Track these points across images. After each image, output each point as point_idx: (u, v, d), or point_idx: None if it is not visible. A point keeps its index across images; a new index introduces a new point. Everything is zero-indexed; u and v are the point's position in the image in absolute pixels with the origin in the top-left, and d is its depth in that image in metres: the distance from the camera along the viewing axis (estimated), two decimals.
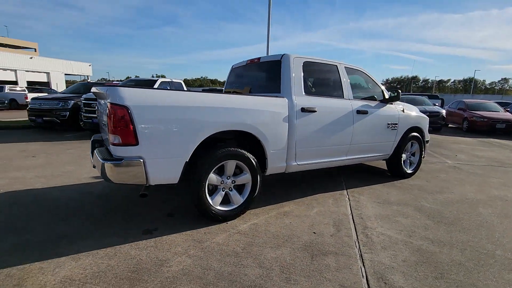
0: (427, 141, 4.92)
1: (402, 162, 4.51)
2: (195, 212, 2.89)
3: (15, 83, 34.18)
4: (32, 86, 27.69)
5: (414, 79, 79.78)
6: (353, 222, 2.93)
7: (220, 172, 2.81)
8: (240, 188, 2.96)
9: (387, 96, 4.17)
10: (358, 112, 3.73)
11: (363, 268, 2.12)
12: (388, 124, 4.12)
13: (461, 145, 8.46)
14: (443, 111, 11.50)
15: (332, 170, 4.97)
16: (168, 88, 9.25)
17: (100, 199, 3.33)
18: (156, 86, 9.12)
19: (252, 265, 2.11)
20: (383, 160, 4.46)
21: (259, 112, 2.88)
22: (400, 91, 4.06)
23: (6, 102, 18.14)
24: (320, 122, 3.35)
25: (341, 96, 3.66)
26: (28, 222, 2.69)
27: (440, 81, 77.10)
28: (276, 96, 3.14)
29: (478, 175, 4.98)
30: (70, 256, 2.16)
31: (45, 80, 39.30)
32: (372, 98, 4.08)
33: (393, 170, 4.60)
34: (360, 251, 2.36)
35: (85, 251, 2.23)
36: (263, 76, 3.69)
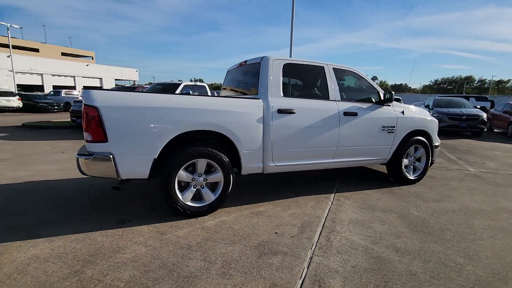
0: (437, 146, 4.58)
1: (403, 167, 4.26)
2: None
3: (73, 87, 38.33)
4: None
5: (468, 79, 72.67)
6: (323, 225, 2.88)
7: (193, 170, 2.96)
8: (213, 186, 3.08)
9: (383, 98, 3.99)
10: (346, 114, 3.64)
11: (305, 270, 2.11)
12: (383, 127, 3.94)
13: (497, 152, 7.63)
14: (484, 115, 10.43)
15: (329, 173, 4.86)
16: (190, 92, 9.71)
17: (97, 192, 3.68)
18: (179, 89, 9.64)
19: (197, 258, 2.22)
20: (381, 164, 4.26)
21: (230, 113, 2.98)
22: (393, 92, 3.86)
23: (61, 104, 20.46)
24: (299, 124, 3.34)
25: (326, 97, 3.61)
26: (28, 209, 3.10)
27: (500, 81, 69.22)
28: (253, 98, 3.21)
29: (497, 184, 4.50)
30: (47, 238, 2.47)
31: (98, 84, 43.35)
32: (367, 100, 3.95)
33: (393, 176, 4.37)
34: (312, 254, 2.34)
35: (60, 235, 2.52)
36: (248, 78, 3.78)
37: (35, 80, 36.12)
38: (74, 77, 40.14)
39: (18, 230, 2.60)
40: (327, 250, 2.40)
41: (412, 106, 4.49)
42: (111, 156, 2.56)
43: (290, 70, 3.51)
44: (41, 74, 36.22)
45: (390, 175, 4.43)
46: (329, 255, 2.32)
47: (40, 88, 35.50)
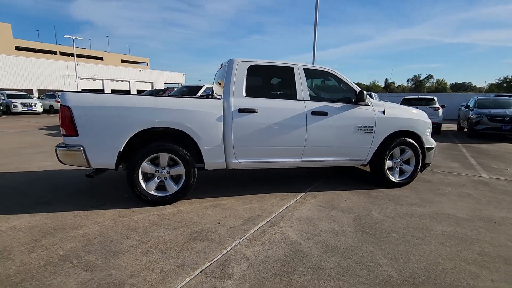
0: (430, 148, 4.29)
1: (387, 169, 4.10)
2: None
3: (128, 92, 42.41)
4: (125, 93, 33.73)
5: None
6: (269, 220, 2.99)
7: (158, 163, 3.31)
8: (177, 179, 3.39)
9: (367, 99, 3.91)
10: (314, 113, 3.67)
11: (219, 256, 2.29)
12: (359, 126, 3.86)
13: None
14: None
15: (315, 172, 4.84)
16: (210, 93, 10.23)
17: (96, 180, 4.24)
18: (201, 91, 10.25)
19: (134, 238, 2.54)
20: (361, 165, 4.15)
21: (189, 112, 3.26)
22: (364, 92, 3.76)
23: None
24: (261, 122, 3.48)
25: (293, 97, 3.68)
26: (34, 191, 3.75)
27: None
28: (216, 98, 3.46)
29: (502, 192, 4.06)
30: (31, 214, 3.01)
31: (150, 88, 47.21)
32: (339, 100, 3.92)
33: (376, 178, 4.22)
34: (238, 243, 2.49)
35: (42, 213, 3.05)
36: (222, 79, 4.02)
37: (97, 85, 40.78)
38: (129, 81, 44.34)
39: (17, 207, 3.20)
40: (254, 241, 2.54)
41: (398, 106, 4.30)
42: (81, 148, 3.02)
43: (257, 71, 3.68)
44: (102, 80, 40.73)
45: (373, 177, 4.29)
46: (252, 246, 2.46)
47: (101, 92, 39.99)
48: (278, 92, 3.85)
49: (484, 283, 2.01)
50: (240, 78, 3.51)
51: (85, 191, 3.78)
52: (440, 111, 10.81)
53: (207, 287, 1.90)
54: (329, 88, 4.07)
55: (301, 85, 3.73)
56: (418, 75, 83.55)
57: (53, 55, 55.78)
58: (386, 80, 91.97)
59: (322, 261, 2.25)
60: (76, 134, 3.00)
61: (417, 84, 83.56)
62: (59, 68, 37.27)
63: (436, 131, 11.05)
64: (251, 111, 3.44)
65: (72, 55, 57.22)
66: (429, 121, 4.32)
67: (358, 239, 2.62)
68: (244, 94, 3.49)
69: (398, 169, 4.22)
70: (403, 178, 4.22)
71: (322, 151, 3.81)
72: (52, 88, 32.55)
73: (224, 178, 4.49)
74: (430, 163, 4.45)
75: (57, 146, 3.10)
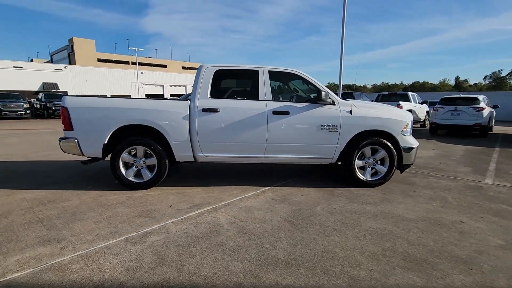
0: (409, 149, 4.14)
1: (357, 168, 4.11)
2: None
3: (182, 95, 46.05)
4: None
5: None
6: (214, 207, 3.37)
7: (135, 154, 3.96)
8: (151, 168, 3.99)
9: (333, 99, 4.03)
10: (275, 112, 3.92)
11: (147, 229, 2.77)
12: (323, 125, 3.97)
13: None
14: None
15: (301, 169, 5.00)
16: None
17: (99, 169, 5.13)
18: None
19: (96, 211, 3.18)
20: (330, 164, 4.22)
21: (159, 112, 3.84)
22: (323, 92, 3.85)
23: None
24: (223, 121, 3.88)
25: (256, 97, 3.99)
26: (55, 175, 4.74)
27: None
28: (184, 99, 3.97)
29: (490, 198, 3.73)
30: (41, 190, 3.91)
31: (183, 92, 50.34)
32: (307, 100, 4.09)
33: (348, 177, 4.24)
34: (171, 221, 2.95)
35: (50, 189, 3.93)
36: None
37: (158, 90, 45.20)
38: (185, 86, 48.08)
39: (36, 184, 4.16)
40: (186, 221, 2.97)
41: (371, 105, 4.25)
42: (76, 140, 3.82)
43: (224, 75, 4.10)
44: (162, 85, 45.01)
45: (345, 177, 4.31)
46: (181, 224, 2.89)
47: (161, 97, 44.21)
48: (242, 93, 4.19)
49: (359, 271, 2.11)
50: (206, 81, 3.96)
51: (89, 177, 4.63)
52: (485, 111, 9.64)
53: (120, 248, 2.40)
54: (296, 89, 4.24)
55: (264, 86, 4.01)
56: (499, 71, 72.20)
57: (126, 64, 63.53)
58: (457, 78, 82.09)
59: (228, 240, 2.57)
60: (72, 129, 3.81)
61: (497, 82, 72.48)
62: (128, 76, 42.34)
63: (482, 134, 9.89)
64: (213, 110, 3.87)
65: (142, 64, 63.90)
66: (406, 120, 4.16)
67: (278, 227, 2.85)
68: (209, 95, 3.94)
69: (370, 169, 4.18)
70: (376, 178, 4.16)
71: (285, 148, 4.03)
72: (121, 94, 37.28)
73: (210, 173, 4.97)
74: (410, 164, 4.28)
75: (60, 138, 3.96)
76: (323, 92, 3.84)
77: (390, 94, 13.10)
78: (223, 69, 4.06)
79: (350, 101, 4.29)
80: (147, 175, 3.95)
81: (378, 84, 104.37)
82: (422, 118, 13.39)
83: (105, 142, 3.84)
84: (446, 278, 2.04)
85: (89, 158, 4.08)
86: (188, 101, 3.92)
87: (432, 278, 2.04)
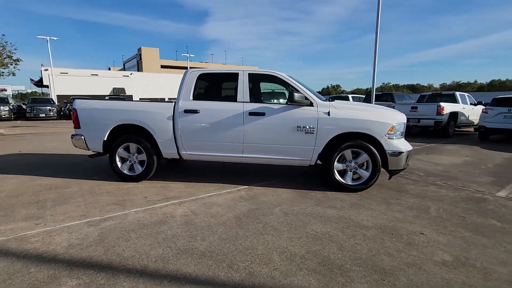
0: (397, 153, 3.86)
1: (335, 172, 3.98)
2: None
3: None
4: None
5: None
6: (182, 200, 3.64)
7: (129, 150, 4.45)
8: (143, 163, 4.44)
9: (311, 100, 3.99)
10: (251, 113, 4.04)
11: (111, 214, 3.16)
12: (299, 127, 3.95)
13: None
14: None
15: (293, 170, 4.98)
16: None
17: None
18: None
19: (84, 197, 3.71)
20: (309, 165, 4.15)
21: (148, 113, 4.26)
22: (296, 94, 3.80)
23: None
24: (202, 121, 4.14)
25: (234, 99, 4.15)
26: (78, 166, 5.55)
27: None
28: (170, 101, 4.34)
29: (479, 212, 3.29)
30: (57, 177, 4.66)
31: None
32: (286, 101, 4.11)
33: (328, 180, 4.12)
34: (135, 210, 3.30)
35: (63, 178, 4.66)
36: None
37: None
38: None
39: (57, 173, 4.95)
40: (148, 211, 3.28)
41: (355, 106, 4.06)
42: (82, 137, 4.47)
43: (206, 78, 4.35)
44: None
45: (327, 180, 4.19)
46: (141, 213, 3.21)
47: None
48: (222, 95, 4.37)
49: (262, 269, 2.15)
50: (189, 84, 4.27)
51: (101, 170, 5.31)
52: None
53: (77, 228, 2.82)
54: (275, 91, 4.28)
55: (243, 88, 4.15)
56: None
57: (185, 69, 68.51)
58: None
59: (168, 229, 2.80)
60: (79, 127, 4.47)
61: None
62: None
63: None
64: (194, 111, 4.15)
65: (198, 68, 67.89)
66: (391, 122, 3.87)
67: (223, 222, 2.98)
68: (191, 98, 4.23)
69: (351, 173, 4.00)
70: (357, 183, 3.97)
71: (262, 148, 4.11)
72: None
73: (202, 170, 5.28)
74: (399, 170, 3.97)
75: (72, 135, 4.67)
76: (295, 94, 3.82)
77: (435, 94, 11.85)
78: (206, 73, 4.33)
79: (335, 102, 4.17)
80: (139, 169, 4.42)
81: (447, 83, 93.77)
82: (476, 121, 11.79)
83: (105, 139, 4.41)
84: (347, 285, 1.96)
85: (94, 153, 4.72)
86: (173, 102, 4.27)
87: (331, 283, 1.98)
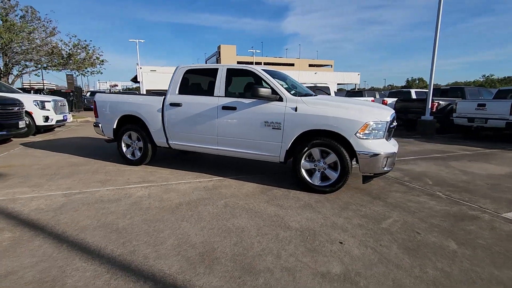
0: (370, 155, 3.47)
1: (302, 171, 3.81)
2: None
3: None
4: None
5: None
6: (152, 184, 4.06)
7: (132, 137, 5.11)
8: (141, 149, 5.05)
9: (280, 95, 3.92)
10: (224, 108, 4.17)
11: (88, 190, 3.78)
12: (266, 122, 3.91)
13: None
14: None
15: (275, 168, 4.92)
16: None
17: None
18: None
19: (85, 174, 4.47)
20: (279, 162, 4.04)
21: (143, 105, 4.82)
22: (256, 87, 3.71)
23: None
24: (183, 114, 4.46)
25: (211, 93, 4.33)
26: (107, 149, 6.59)
27: None
28: (161, 95, 4.79)
29: (453, 229, 2.76)
30: (83, 157, 5.67)
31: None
32: (247, 96, 4.12)
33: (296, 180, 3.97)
34: (106, 189, 3.86)
35: (88, 158, 5.63)
36: None
37: None
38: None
39: (86, 154, 6.00)
40: (116, 190, 3.79)
41: (328, 101, 3.77)
42: (100, 125, 5.33)
43: (192, 74, 4.64)
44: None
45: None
46: (109, 191, 3.74)
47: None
48: (203, 90, 4.56)
49: (139, 246, 2.36)
50: (177, 79, 4.63)
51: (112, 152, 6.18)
52: None
53: (54, 197, 3.50)
54: (250, 86, 4.26)
55: (220, 83, 4.29)
56: None
57: (259, 65, 70.74)
58: None
59: (114, 206, 3.23)
60: (97, 116, 5.34)
61: None
62: None
63: None
64: (177, 105, 4.51)
65: (273, 64, 69.40)
66: (362, 120, 3.46)
67: (159, 207, 3.24)
68: (177, 92, 4.60)
69: (319, 173, 3.76)
70: (324, 184, 3.71)
71: (233, 142, 4.20)
72: None
73: (198, 161, 5.63)
74: (377, 174, 3.57)
75: (93, 123, 5.59)
76: (259, 89, 3.76)
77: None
78: (192, 69, 4.62)
79: (306, 97, 3.96)
80: (138, 155, 5.05)
81: None
82: None
83: (114, 127, 5.16)
84: (200, 277, 2.01)
85: (109, 138, 5.55)
86: (163, 96, 4.71)
87: (188, 272, 2.05)
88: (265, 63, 76.24)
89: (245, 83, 4.43)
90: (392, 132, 4.18)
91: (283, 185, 4.08)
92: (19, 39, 11.64)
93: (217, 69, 4.40)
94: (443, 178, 4.54)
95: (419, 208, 3.32)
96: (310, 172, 3.83)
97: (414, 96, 12.96)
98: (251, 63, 71.72)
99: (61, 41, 14.11)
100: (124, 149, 5.15)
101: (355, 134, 3.48)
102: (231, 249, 2.37)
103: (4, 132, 6.32)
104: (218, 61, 74.61)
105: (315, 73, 49.92)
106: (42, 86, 23.81)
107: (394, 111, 4.12)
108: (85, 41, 14.56)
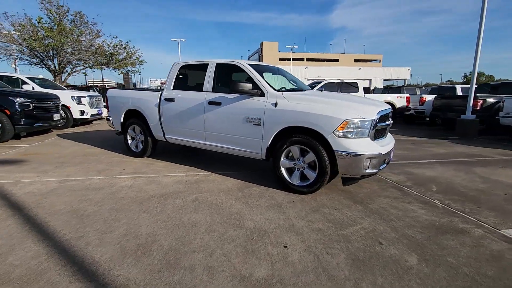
0: (351, 155, 3.20)
1: (282, 169, 3.67)
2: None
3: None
4: None
5: None
6: (141, 176, 4.24)
7: (136, 131, 5.40)
8: (143, 142, 5.31)
9: (262, 90, 3.81)
10: (210, 103, 4.18)
11: (82, 178, 4.09)
12: (247, 118, 3.82)
13: None
14: None
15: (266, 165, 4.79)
16: (323, 89, 10.44)
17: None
18: (319, 86, 10.77)
19: (91, 163, 4.85)
20: (261, 159, 3.93)
21: (143, 100, 5.04)
22: (235, 82, 3.61)
23: None
24: (176, 108, 4.57)
25: (201, 89, 4.36)
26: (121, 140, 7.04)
27: None
28: (159, 90, 4.97)
29: (429, 244, 2.43)
30: (100, 148, 6.14)
31: (367, 86, 47.24)
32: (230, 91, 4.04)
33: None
34: (97, 177, 4.13)
35: (103, 148, 6.09)
36: None
37: None
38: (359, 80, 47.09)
39: (105, 146, 6.49)
40: (105, 179, 4.05)
41: (311, 97, 3.55)
42: (110, 118, 5.72)
43: (186, 69, 4.72)
44: (323, 80, 46.19)
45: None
46: (99, 180, 4.00)
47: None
48: (194, 85, 4.59)
49: (88, 233, 2.48)
50: (172, 75, 4.76)
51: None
52: None
53: (51, 183, 3.84)
54: (236, 80, 4.17)
55: (209, 78, 4.30)
56: None
57: (301, 61, 69.65)
58: None
59: (93, 193, 3.44)
60: (109, 111, 5.73)
61: None
62: (292, 72, 46.50)
63: None
64: (171, 100, 4.64)
65: (316, 59, 67.92)
66: (341, 117, 3.18)
67: (131, 197, 3.38)
68: (172, 87, 4.72)
69: (298, 172, 3.58)
70: (302, 184, 3.52)
71: (219, 137, 4.19)
72: None
73: (199, 157, 5.73)
74: (361, 177, 3.29)
75: (106, 117, 6.00)
76: (238, 83, 3.67)
77: None
78: (186, 64, 4.70)
79: (289, 92, 3.78)
80: (140, 147, 5.32)
81: None
82: None
83: (121, 121, 5.50)
84: (115, 269, 2.05)
85: (119, 131, 5.92)
86: (159, 92, 4.88)
87: (113, 262, 2.11)
88: (307, 59, 74.92)
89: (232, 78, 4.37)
90: (387, 130, 3.80)
91: (266, 183, 3.97)
92: (69, 41, 13.03)
93: (207, 64, 4.42)
94: (453, 185, 4.00)
95: (400, 216, 2.97)
96: (291, 171, 3.66)
97: (459, 92, 11.57)
98: (293, 59, 70.67)
99: (103, 41, 15.50)
100: (129, 141, 5.46)
101: (333, 132, 3.23)
102: (170, 243, 2.37)
103: (40, 124, 7.12)
104: (260, 58, 74.82)
105: (359, 68, 47.49)
106: (102, 84, 26.48)
107: (387, 108, 3.74)
108: (128, 42, 15.76)
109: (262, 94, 3.76)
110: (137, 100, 5.15)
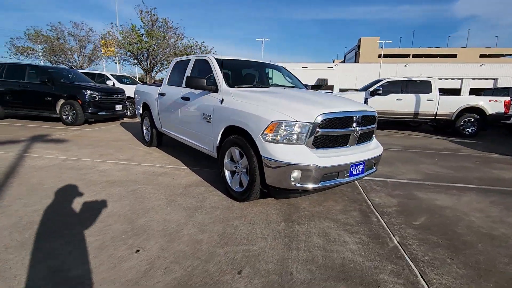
0: (277, 163, 2.74)
1: (225, 171, 3.41)
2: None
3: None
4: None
5: None
6: (130, 163, 4.64)
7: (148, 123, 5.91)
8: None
9: (217, 86, 3.64)
10: (183, 98, 4.22)
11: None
12: (203, 114, 3.69)
13: None
14: None
15: None
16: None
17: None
18: (378, 84, 9.46)
19: (105, 147, 5.59)
20: (216, 158, 3.72)
21: (149, 94, 5.48)
22: (189, 77, 3.46)
23: None
24: (165, 103, 4.80)
25: (181, 84, 4.43)
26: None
27: None
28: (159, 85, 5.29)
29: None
30: (129, 134, 7.00)
31: (491, 86, 38.13)
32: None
33: None
34: (92, 160, 4.72)
35: (129, 135, 6.93)
36: None
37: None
38: (461, 79, 39.05)
39: (132, 133, 7.35)
40: (97, 163, 4.60)
41: (254, 95, 3.15)
42: (136, 111, 6.44)
43: (178, 65, 4.87)
44: (430, 78, 39.67)
45: None
46: (90, 163, 4.58)
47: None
48: (179, 80, 4.65)
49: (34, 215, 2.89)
50: (168, 71, 5.00)
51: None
52: None
53: (58, 160, 4.63)
54: (208, 75, 4.02)
55: (186, 73, 4.34)
56: None
57: (407, 58, 61.97)
58: None
59: (70, 174, 3.98)
60: (135, 104, 6.46)
61: None
62: (388, 70, 41.42)
63: None
64: (163, 94, 4.89)
65: (426, 55, 59.73)
66: (269, 118, 2.68)
67: (97, 180, 3.73)
68: (166, 82, 4.97)
69: (238, 176, 3.25)
70: (239, 191, 3.19)
71: (188, 133, 4.20)
72: None
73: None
74: (290, 191, 2.80)
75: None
76: (190, 78, 3.57)
77: None
78: (179, 60, 4.86)
79: (242, 89, 3.46)
80: (148, 138, 5.82)
81: None
82: None
83: (141, 112, 6.12)
84: (15, 262, 2.34)
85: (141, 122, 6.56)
86: (159, 86, 5.20)
87: (22, 248, 2.42)
88: (414, 55, 65.87)
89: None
90: (354, 138, 3.04)
91: (219, 185, 3.75)
92: (155, 43, 15.26)
93: (189, 60, 4.46)
94: (454, 223, 2.90)
95: (313, 247, 2.36)
96: (233, 174, 3.36)
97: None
98: (396, 56, 63.39)
99: (181, 43, 17.42)
100: (144, 131, 6.04)
101: (260, 135, 2.80)
102: (45, 218, 2.54)
103: (103, 112, 8.59)
104: (357, 55, 70.06)
105: (481, 65, 38.67)
106: None
107: (358, 110, 3.00)
108: (203, 42, 17.34)
109: (216, 90, 3.56)
110: (146, 94, 5.63)
